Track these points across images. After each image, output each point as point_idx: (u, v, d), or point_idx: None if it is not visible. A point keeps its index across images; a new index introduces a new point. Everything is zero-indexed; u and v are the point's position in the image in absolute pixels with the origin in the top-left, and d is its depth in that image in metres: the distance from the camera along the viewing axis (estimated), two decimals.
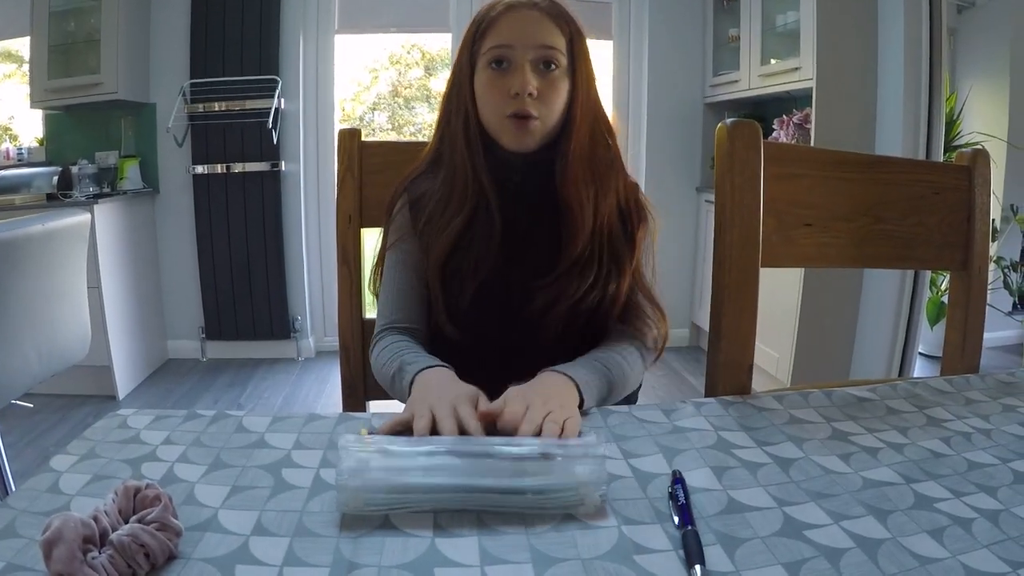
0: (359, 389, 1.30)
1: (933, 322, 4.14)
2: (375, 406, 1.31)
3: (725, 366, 1.03)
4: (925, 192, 1.22)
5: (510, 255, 1.12)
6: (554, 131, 1.13)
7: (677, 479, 0.71)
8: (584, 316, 1.11)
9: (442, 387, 0.91)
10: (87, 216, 1.90)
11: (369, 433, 0.80)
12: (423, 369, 0.98)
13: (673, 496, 0.69)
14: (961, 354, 1.28)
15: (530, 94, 1.07)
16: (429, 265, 1.13)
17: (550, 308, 1.09)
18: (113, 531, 0.56)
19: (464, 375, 1.01)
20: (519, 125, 1.09)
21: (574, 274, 1.09)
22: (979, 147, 1.25)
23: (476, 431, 0.79)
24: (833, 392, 1.01)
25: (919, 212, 1.22)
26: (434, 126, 1.21)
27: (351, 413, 0.91)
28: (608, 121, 1.17)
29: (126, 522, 0.58)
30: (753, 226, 1.03)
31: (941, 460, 0.80)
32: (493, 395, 0.96)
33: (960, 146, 4.12)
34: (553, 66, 1.10)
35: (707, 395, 1.05)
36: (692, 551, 0.59)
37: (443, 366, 1.00)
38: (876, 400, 0.99)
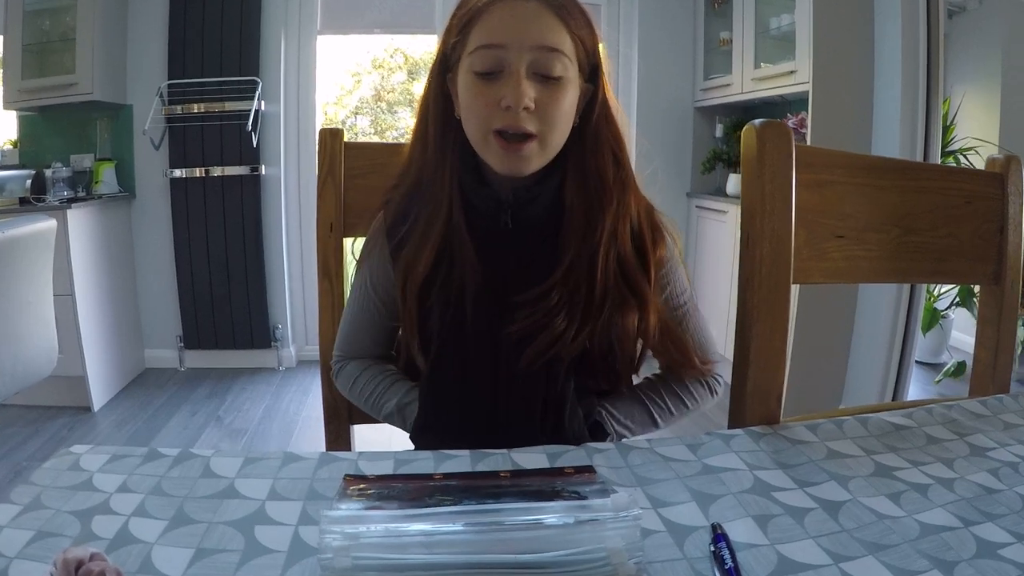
0: (342, 411, 1.20)
1: (925, 329, 4.10)
2: (360, 433, 1.22)
3: (753, 394, 0.94)
4: (957, 201, 1.14)
5: (499, 300, 0.96)
6: (555, 151, 0.95)
7: (719, 535, 0.62)
8: (583, 364, 0.98)
9: None
10: (53, 223, 1.79)
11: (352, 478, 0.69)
12: None
13: (717, 557, 0.59)
14: (992, 372, 1.22)
15: (526, 108, 0.88)
16: (403, 300, 0.99)
17: (525, 349, 0.94)
18: None
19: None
20: (509, 148, 0.90)
21: (556, 310, 0.93)
22: (1011, 153, 1.18)
23: None
24: (868, 419, 0.94)
25: (951, 223, 1.14)
26: (411, 131, 1.03)
27: (334, 453, 0.80)
28: (621, 137, 1.01)
29: None
30: (785, 239, 0.93)
31: (994, 496, 0.75)
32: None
33: (955, 151, 4.09)
34: (555, 72, 0.89)
35: (732, 425, 0.97)
36: None
37: None
38: (914, 427, 0.93)
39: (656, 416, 1.07)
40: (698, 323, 1.09)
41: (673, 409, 1.08)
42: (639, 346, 1.02)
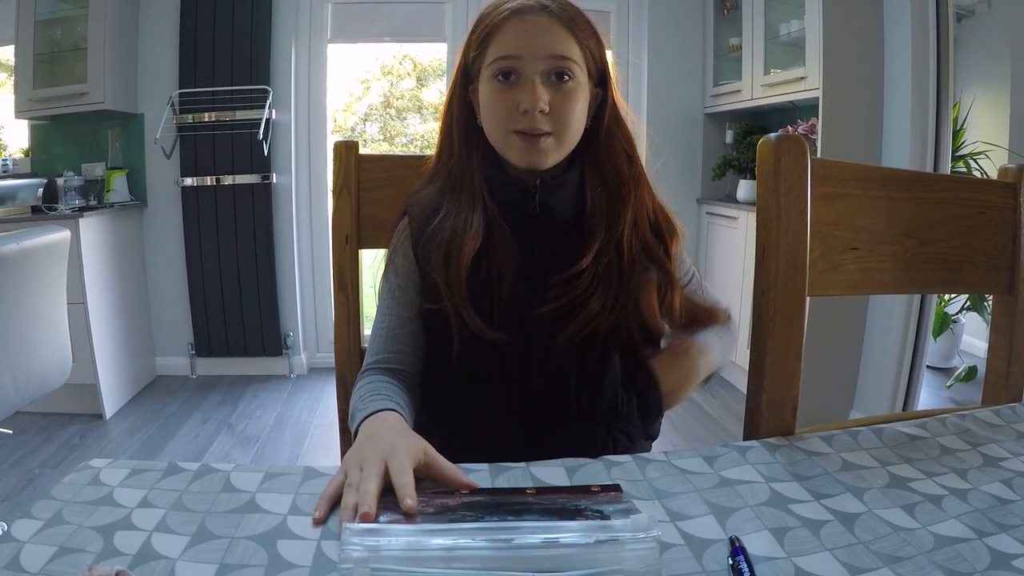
0: None
1: (936, 334, 4.08)
2: None
3: (768, 406, 0.94)
4: (971, 212, 1.14)
5: (529, 283, 0.99)
6: (571, 147, 1.03)
7: (737, 548, 0.62)
8: (608, 344, 1.00)
9: (381, 438, 0.80)
10: (66, 233, 1.79)
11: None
12: (369, 416, 0.87)
13: (736, 570, 0.59)
14: (1005, 382, 1.21)
15: (541, 110, 0.96)
16: (447, 285, 0.99)
17: (559, 328, 0.98)
18: None
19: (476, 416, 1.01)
20: (528, 141, 0.98)
21: (591, 290, 0.98)
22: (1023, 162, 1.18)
23: (404, 488, 0.68)
24: (883, 430, 0.94)
25: (964, 233, 1.14)
26: (436, 141, 1.10)
27: None
28: (632, 137, 1.08)
29: None
30: (800, 251, 0.94)
31: (1008, 507, 0.75)
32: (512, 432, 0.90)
33: (964, 156, 4.06)
34: (567, 77, 0.98)
35: (747, 437, 0.97)
36: None
37: (394, 410, 0.89)
38: (928, 438, 0.93)
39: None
40: (705, 284, 1.18)
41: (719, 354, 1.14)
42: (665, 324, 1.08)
